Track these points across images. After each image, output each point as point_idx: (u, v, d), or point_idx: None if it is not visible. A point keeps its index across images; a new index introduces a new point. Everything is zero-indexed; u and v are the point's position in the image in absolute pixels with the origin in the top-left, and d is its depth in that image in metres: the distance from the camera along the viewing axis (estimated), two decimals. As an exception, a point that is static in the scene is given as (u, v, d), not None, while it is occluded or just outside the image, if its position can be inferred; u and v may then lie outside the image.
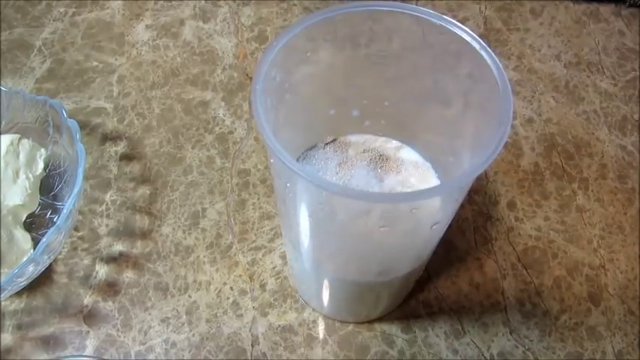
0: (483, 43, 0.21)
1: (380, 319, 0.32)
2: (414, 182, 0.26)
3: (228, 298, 0.33)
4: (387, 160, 0.27)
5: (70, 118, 0.34)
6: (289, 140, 0.25)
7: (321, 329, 0.32)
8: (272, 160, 0.21)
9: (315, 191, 0.20)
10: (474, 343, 0.31)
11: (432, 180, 0.27)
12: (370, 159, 0.27)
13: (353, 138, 0.28)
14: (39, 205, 0.35)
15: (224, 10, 0.47)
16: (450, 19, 0.22)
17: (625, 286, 0.33)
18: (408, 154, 0.28)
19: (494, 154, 0.19)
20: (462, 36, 0.22)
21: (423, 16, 0.22)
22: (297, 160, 0.28)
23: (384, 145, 0.28)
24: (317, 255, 0.25)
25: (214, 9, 0.47)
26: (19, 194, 0.33)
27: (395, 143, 0.28)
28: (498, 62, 0.21)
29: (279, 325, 0.32)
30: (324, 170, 0.27)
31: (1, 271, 0.31)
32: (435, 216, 0.22)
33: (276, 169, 0.22)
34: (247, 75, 0.43)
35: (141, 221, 0.36)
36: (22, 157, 0.34)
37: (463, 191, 0.22)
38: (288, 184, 0.21)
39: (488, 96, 0.21)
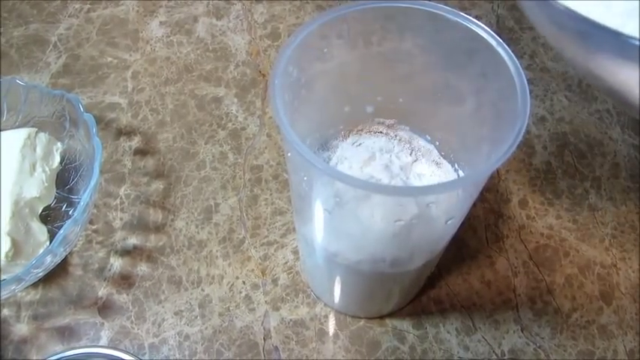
0: (500, 40, 0.21)
1: (391, 314, 0.32)
2: (429, 177, 0.26)
3: (240, 292, 0.33)
4: (401, 155, 0.27)
5: (86, 112, 0.34)
6: (304, 136, 0.25)
7: (332, 324, 0.32)
8: (289, 154, 0.22)
9: (332, 184, 0.20)
10: (485, 340, 0.31)
11: (446, 176, 0.27)
12: (384, 154, 0.27)
13: (367, 134, 0.28)
14: (55, 198, 0.35)
15: (237, 7, 0.47)
16: (466, 15, 0.22)
17: (637, 285, 0.33)
18: (423, 149, 0.28)
19: (511, 150, 0.19)
20: (478, 32, 0.22)
21: (438, 12, 0.23)
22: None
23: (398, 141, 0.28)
24: (331, 249, 0.25)
25: (227, 6, 0.47)
26: (35, 187, 0.34)
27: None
28: (516, 59, 0.21)
29: (290, 320, 0.32)
30: (338, 166, 0.27)
31: (18, 262, 0.31)
32: (450, 211, 0.22)
33: (294, 164, 0.22)
34: (260, 72, 0.43)
35: (155, 215, 0.36)
36: (38, 150, 0.35)
37: (478, 187, 0.22)
38: (305, 178, 0.21)
39: (503, 93, 0.21)
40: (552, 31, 0.25)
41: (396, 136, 0.28)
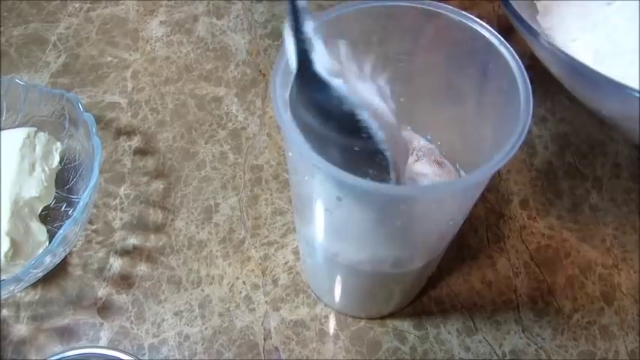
0: (503, 39, 0.21)
1: (392, 315, 0.32)
2: (431, 177, 0.26)
3: (240, 293, 0.33)
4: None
5: (85, 112, 0.34)
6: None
7: (333, 324, 0.32)
8: (290, 154, 0.22)
9: (334, 185, 0.20)
10: (486, 340, 0.31)
11: (448, 176, 0.27)
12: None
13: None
14: (54, 198, 0.35)
15: (237, 6, 0.47)
16: (468, 14, 0.22)
17: (638, 286, 0.33)
18: (425, 149, 0.28)
19: (513, 151, 0.19)
20: (481, 32, 0.22)
21: (439, 11, 0.22)
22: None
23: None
24: (331, 249, 0.25)
25: (228, 5, 0.47)
26: (35, 187, 0.34)
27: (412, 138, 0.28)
28: (518, 59, 0.21)
29: (291, 320, 0.32)
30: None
31: (18, 262, 0.31)
32: (452, 212, 0.22)
33: (294, 163, 0.22)
34: (260, 71, 0.43)
35: (154, 215, 0.36)
36: (38, 150, 0.35)
37: (480, 187, 0.22)
38: (306, 178, 0.21)
39: (505, 93, 0.21)
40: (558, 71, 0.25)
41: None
